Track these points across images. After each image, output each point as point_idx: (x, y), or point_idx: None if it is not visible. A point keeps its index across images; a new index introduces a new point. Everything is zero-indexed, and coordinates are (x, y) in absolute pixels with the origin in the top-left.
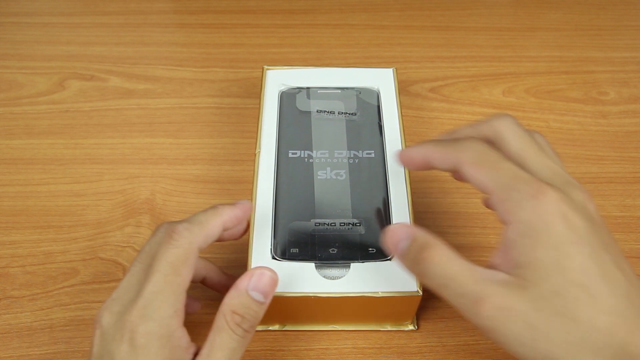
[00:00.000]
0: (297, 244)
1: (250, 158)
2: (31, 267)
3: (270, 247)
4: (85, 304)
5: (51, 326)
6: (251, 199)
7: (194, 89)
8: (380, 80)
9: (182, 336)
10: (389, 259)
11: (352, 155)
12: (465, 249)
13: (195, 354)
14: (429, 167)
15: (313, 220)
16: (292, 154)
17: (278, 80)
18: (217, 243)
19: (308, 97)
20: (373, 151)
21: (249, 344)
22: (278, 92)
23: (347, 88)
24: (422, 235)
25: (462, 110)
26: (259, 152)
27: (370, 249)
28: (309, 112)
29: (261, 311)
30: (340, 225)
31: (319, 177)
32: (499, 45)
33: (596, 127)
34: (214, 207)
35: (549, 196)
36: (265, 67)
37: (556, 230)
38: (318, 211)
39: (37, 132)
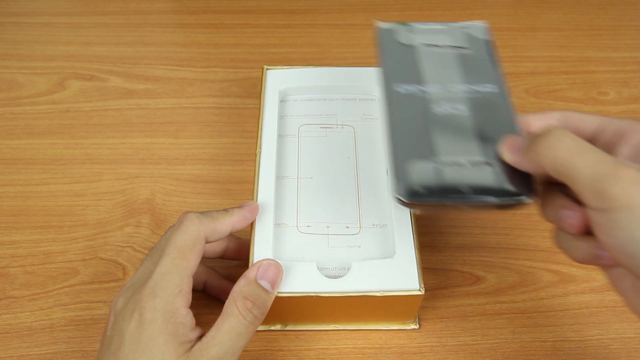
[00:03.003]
0: (422, 185)
1: (250, 158)
2: (31, 267)
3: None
4: (85, 304)
5: (51, 326)
6: (252, 199)
7: (194, 89)
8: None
9: (186, 315)
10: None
11: (470, 90)
12: (465, 249)
13: (201, 338)
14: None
15: (434, 158)
16: (399, 88)
17: (278, 80)
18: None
19: (411, 32)
20: (496, 85)
21: (249, 343)
22: (376, 27)
23: (451, 23)
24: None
25: None
26: (260, 152)
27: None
28: (414, 46)
29: (269, 300)
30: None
31: (433, 112)
32: (499, 45)
33: None
34: (225, 209)
35: None
36: (265, 67)
37: None
38: (438, 148)
39: (37, 132)
